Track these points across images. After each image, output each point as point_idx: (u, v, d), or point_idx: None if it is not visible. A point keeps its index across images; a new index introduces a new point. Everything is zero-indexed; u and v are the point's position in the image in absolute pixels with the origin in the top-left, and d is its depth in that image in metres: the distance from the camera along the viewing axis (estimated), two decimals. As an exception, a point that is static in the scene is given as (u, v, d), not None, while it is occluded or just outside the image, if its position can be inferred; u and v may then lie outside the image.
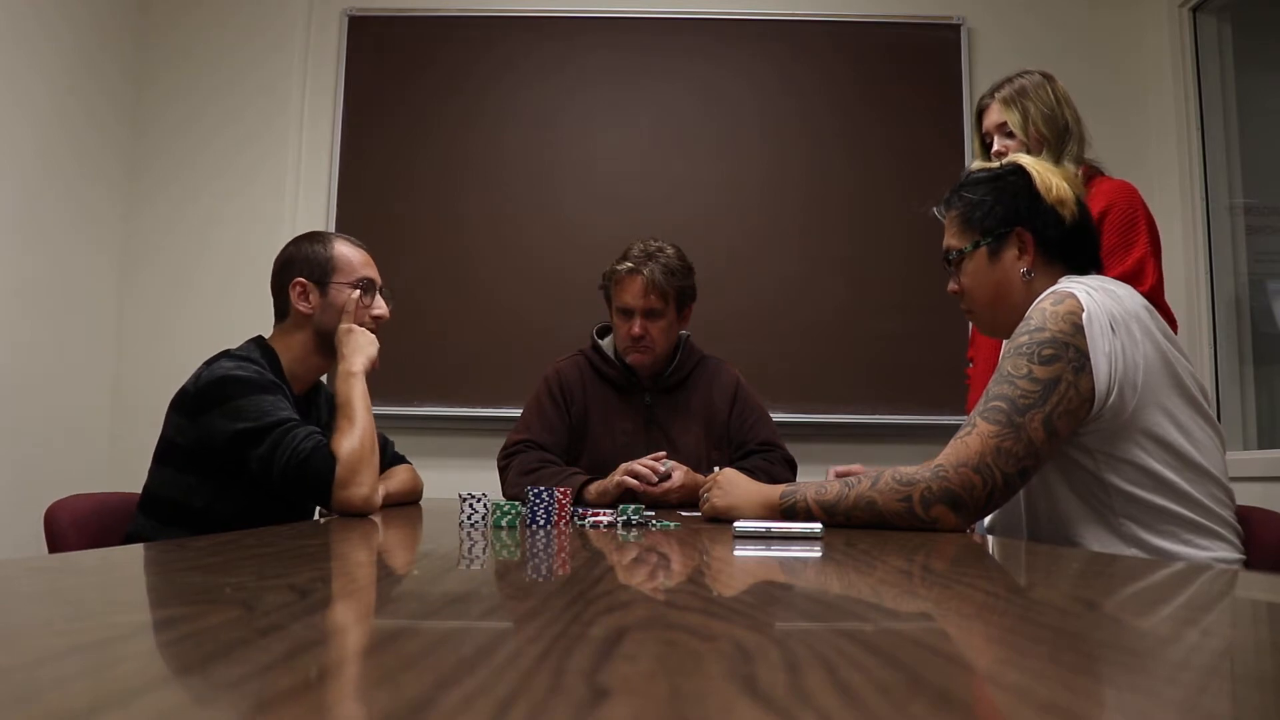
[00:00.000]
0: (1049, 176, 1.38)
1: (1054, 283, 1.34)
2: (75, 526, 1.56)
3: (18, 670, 0.38)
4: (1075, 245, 1.37)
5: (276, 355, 1.72)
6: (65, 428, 2.85)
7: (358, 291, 1.73)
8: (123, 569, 0.84)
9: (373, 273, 1.78)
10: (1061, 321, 1.23)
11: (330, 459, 1.53)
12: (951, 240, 1.44)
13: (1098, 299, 1.25)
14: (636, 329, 2.13)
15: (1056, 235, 1.36)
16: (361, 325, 1.74)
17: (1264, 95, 2.97)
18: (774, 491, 1.38)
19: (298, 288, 1.73)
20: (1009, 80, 2.03)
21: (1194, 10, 2.98)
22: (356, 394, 1.64)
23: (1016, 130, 1.99)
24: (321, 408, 1.84)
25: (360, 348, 1.69)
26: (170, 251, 3.14)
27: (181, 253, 3.15)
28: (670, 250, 2.18)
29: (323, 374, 1.82)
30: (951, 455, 1.22)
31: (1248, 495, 1.33)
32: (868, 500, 1.26)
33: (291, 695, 0.35)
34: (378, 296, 1.78)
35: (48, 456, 2.74)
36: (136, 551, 1.04)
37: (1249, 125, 2.91)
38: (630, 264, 2.14)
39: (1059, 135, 1.97)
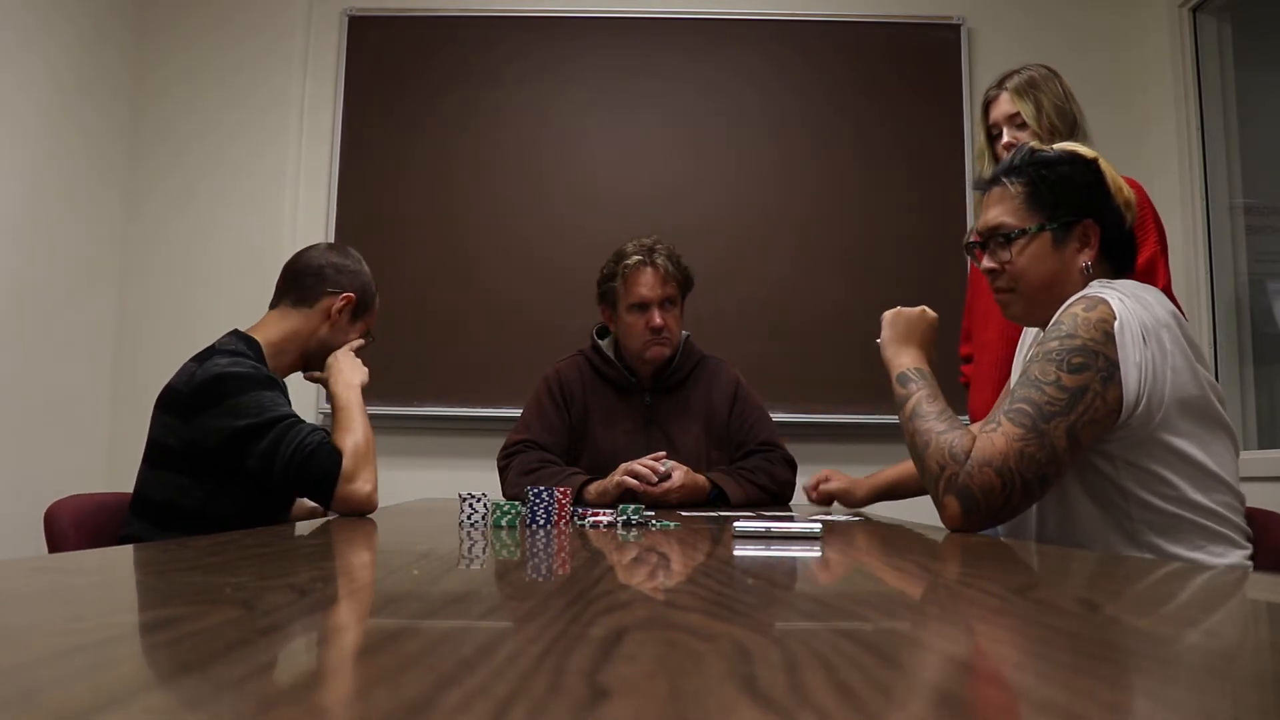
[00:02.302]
0: (1116, 176, 1.35)
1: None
2: (75, 526, 1.56)
3: (18, 670, 0.38)
4: (1125, 249, 1.35)
5: (260, 346, 1.70)
6: (65, 428, 2.85)
7: (366, 338, 1.81)
8: (123, 569, 0.84)
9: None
10: (1093, 329, 1.21)
11: (336, 454, 1.53)
12: (1009, 217, 1.35)
13: (1130, 306, 1.23)
14: (657, 320, 2.12)
15: (1117, 236, 1.34)
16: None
17: (1264, 95, 2.96)
18: (909, 362, 1.41)
19: (344, 300, 1.74)
20: (1016, 72, 2.00)
21: (1194, 10, 2.98)
22: (355, 401, 1.65)
23: (1030, 121, 1.94)
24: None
25: (358, 367, 1.72)
26: (170, 251, 3.14)
27: (181, 252, 3.15)
28: (667, 244, 2.19)
29: (288, 375, 1.79)
30: (977, 451, 1.20)
31: (1249, 496, 1.33)
32: (925, 439, 1.27)
33: (291, 695, 0.35)
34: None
35: (48, 456, 2.74)
36: (137, 552, 1.04)
37: (1249, 125, 2.91)
38: (638, 256, 2.14)
39: (1070, 128, 1.95)
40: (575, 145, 3.21)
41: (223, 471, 1.57)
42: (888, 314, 1.49)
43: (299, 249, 1.85)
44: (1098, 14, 3.23)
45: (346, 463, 1.53)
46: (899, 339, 1.45)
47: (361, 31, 3.23)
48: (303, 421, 1.56)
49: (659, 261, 2.12)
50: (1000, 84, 2.01)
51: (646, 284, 2.13)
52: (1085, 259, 1.33)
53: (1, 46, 2.55)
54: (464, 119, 3.20)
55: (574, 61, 3.23)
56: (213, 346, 1.68)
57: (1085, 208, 1.33)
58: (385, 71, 3.22)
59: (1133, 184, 1.95)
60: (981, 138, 2.06)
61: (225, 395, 1.54)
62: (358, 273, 1.79)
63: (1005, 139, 1.97)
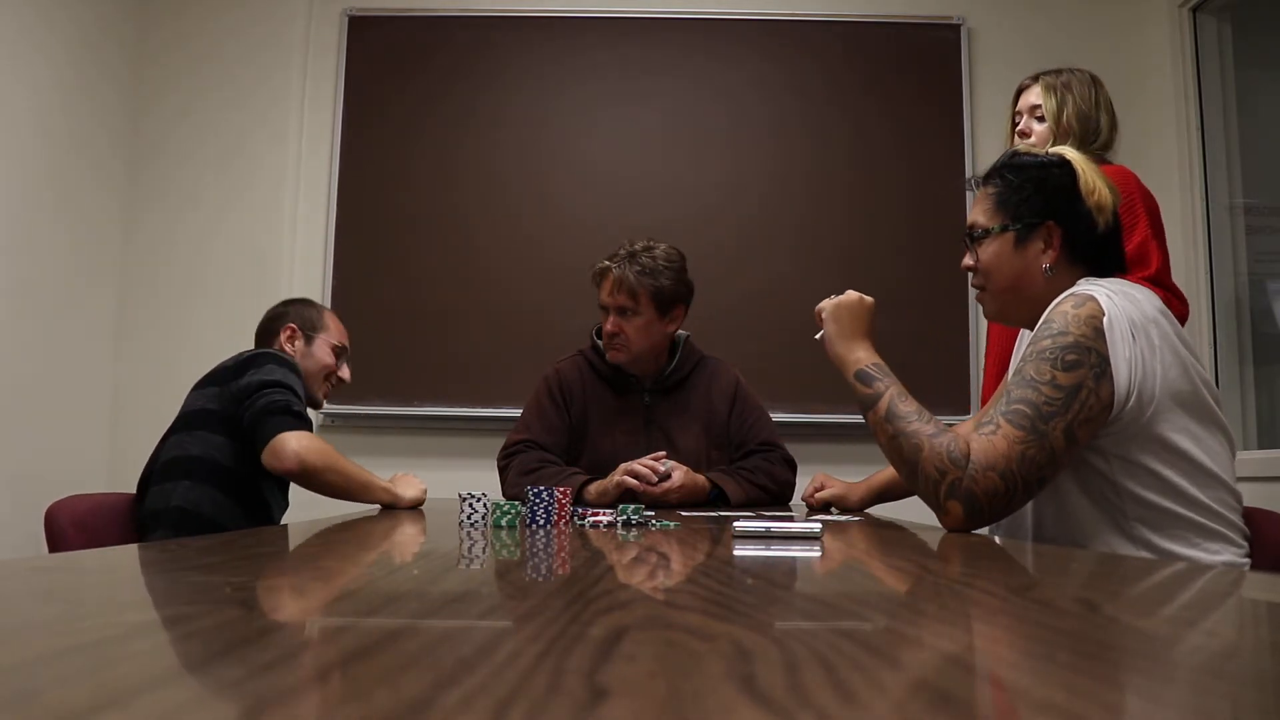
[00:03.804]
0: (1094, 179, 1.35)
1: (1072, 283, 1.32)
2: (75, 526, 1.56)
3: (18, 669, 0.38)
4: (1101, 252, 1.35)
5: None
6: (65, 428, 2.85)
7: (333, 358, 2.08)
8: (123, 569, 0.84)
9: (347, 343, 2.14)
10: (1084, 325, 1.21)
11: (296, 426, 1.73)
12: (979, 217, 1.41)
13: (1118, 303, 1.23)
14: (609, 326, 2.14)
15: (1086, 239, 1.34)
16: (327, 381, 2.08)
17: (1264, 95, 2.96)
18: (866, 358, 1.39)
19: (288, 331, 2.04)
20: (1058, 71, 2.08)
21: (1194, 10, 2.98)
22: (370, 480, 1.79)
23: (1048, 117, 2.03)
24: None
25: (419, 486, 1.86)
26: (170, 250, 3.14)
27: (181, 251, 3.15)
28: (660, 250, 2.16)
29: None
30: (980, 455, 1.20)
31: (1248, 495, 1.33)
32: (915, 443, 1.25)
33: (291, 695, 0.35)
34: (345, 365, 2.12)
35: (48, 456, 2.74)
36: (136, 551, 1.04)
37: (1249, 125, 2.91)
38: (607, 262, 2.16)
39: (1088, 134, 2.02)
40: (575, 145, 3.21)
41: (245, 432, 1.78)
42: (826, 306, 1.47)
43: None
44: (1098, 14, 3.22)
45: (307, 432, 1.73)
46: (846, 333, 1.44)
47: (361, 31, 3.23)
48: (299, 403, 1.80)
49: (615, 271, 2.12)
50: (1037, 75, 2.10)
51: (604, 290, 2.15)
52: (1047, 260, 1.35)
53: (3, 46, 2.55)
54: (464, 119, 3.20)
55: (574, 61, 3.23)
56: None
57: (1048, 210, 1.35)
58: (385, 71, 3.21)
59: (1121, 171, 1.98)
60: (1008, 125, 2.15)
61: (266, 362, 1.84)
62: (288, 309, 2.10)
63: (1021, 127, 2.07)
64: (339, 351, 2.10)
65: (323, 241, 3.12)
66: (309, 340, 2.06)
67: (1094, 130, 2.03)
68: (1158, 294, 1.38)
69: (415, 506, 1.81)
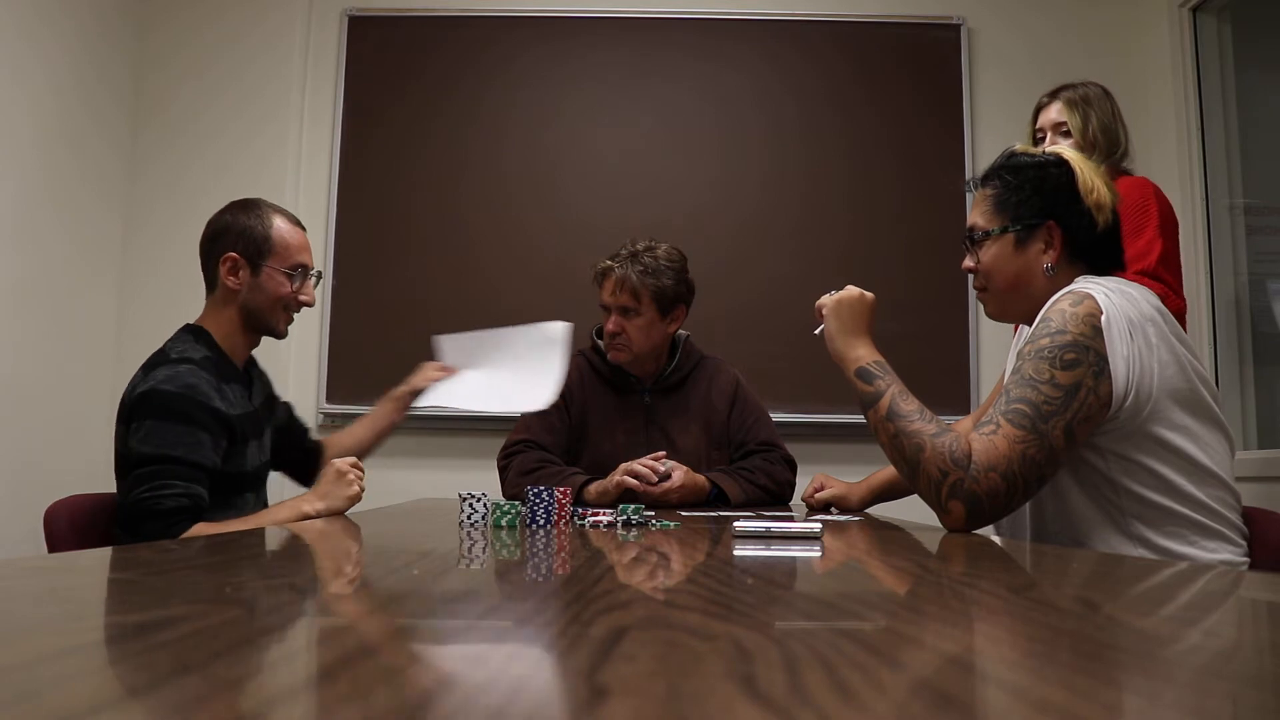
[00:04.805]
0: (1092, 178, 1.35)
1: (1071, 281, 1.32)
2: (75, 526, 1.55)
3: (18, 670, 0.38)
4: (1102, 250, 1.36)
5: (211, 336, 1.67)
6: (65, 428, 2.85)
7: (289, 284, 1.69)
8: (123, 569, 0.84)
9: (308, 258, 1.74)
10: (1081, 324, 1.22)
11: (180, 529, 1.45)
12: (978, 219, 1.41)
13: (1115, 301, 1.24)
14: (611, 325, 2.15)
15: (1086, 238, 1.34)
16: (287, 310, 1.71)
17: (1264, 95, 2.96)
18: (867, 355, 1.38)
19: (228, 263, 1.66)
20: (1071, 85, 2.12)
21: (1194, 10, 2.97)
22: (282, 517, 1.52)
23: (1075, 133, 2.07)
24: (255, 383, 1.77)
25: (341, 495, 1.54)
26: (170, 251, 3.14)
27: (181, 252, 3.13)
28: (661, 250, 2.16)
29: (251, 349, 1.76)
30: (981, 455, 1.20)
31: (1247, 495, 1.33)
32: (917, 443, 1.24)
33: (291, 695, 0.35)
34: (308, 282, 1.74)
35: (48, 456, 2.74)
36: (136, 551, 1.04)
37: (1249, 125, 2.91)
38: (609, 261, 2.16)
39: (1111, 146, 2.08)
40: (575, 144, 3.21)
41: None
42: (827, 302, 1.46)
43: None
44: (1097, 15, 3.22)
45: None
46: (846, 330, 1.43)
47: (361, 31, 3.23)
48: (184, 475, 1.49)
49: (617, 271, 2.13)
50: (1055, 93, 2.14)
51: (606, 289, 2.16)
52: (1048, 260, 1.35)
53: (3, 47, 2.55)
54: (464, 119, 3.20)
55: (575, 61, 3.23)
56: (163, 350, 1.63)
57: (1048, 210, 1.35)
58: (385, 71, 3.21)
59: (1141, 181, 2.03)
60: (1029, 142, 2.18)
61: (147, 415, 1.51)
62: (230, 224, 1.68)
63: (1047, 143, 2.09)
64: (296, 273, 1.70)
65: (323, 242, 3.12)
66: (255, 269, 1.67)
67: (1115, 141, 2.08)
68: (1154, 288, 1.38)
69: (340, 512, 1.55)
